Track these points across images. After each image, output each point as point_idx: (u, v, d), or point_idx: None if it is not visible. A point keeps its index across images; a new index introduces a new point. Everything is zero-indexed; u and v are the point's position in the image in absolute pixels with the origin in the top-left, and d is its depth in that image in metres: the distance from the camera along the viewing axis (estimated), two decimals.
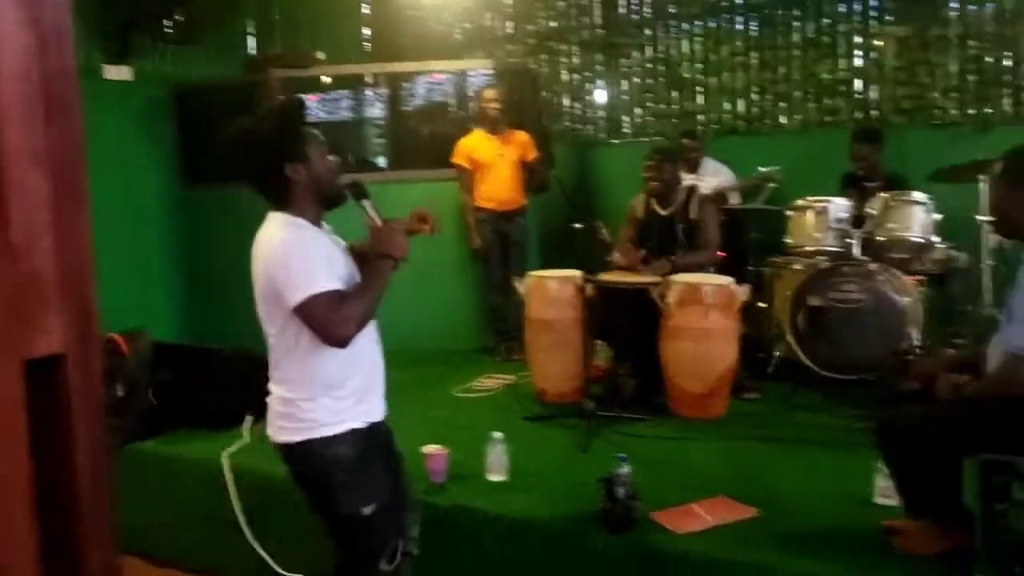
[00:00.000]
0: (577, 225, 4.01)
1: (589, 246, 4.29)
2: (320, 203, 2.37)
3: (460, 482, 3.35)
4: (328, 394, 2.32)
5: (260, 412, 2.51)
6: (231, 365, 4.13)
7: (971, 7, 5.32)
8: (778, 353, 4.74)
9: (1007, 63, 5.28)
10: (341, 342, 2.23)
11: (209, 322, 6.02)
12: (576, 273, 4.25)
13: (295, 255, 2.23)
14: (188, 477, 3.81)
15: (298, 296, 2.19)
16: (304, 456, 2.36)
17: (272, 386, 2.40)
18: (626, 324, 4.34)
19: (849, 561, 2.60)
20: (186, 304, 6.16)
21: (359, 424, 2.37)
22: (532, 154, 5.63)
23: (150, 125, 6.14)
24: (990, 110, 5.35)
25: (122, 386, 3.94)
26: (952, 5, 5.36)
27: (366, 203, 2.42)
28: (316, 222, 2.36)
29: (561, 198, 5.83)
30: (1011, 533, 2.44)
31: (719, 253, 5.45)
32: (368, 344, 2.42)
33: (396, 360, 5.46)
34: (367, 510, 2.35)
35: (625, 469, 2.95)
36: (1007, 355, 2.42)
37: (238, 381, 3.97)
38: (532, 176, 5.64)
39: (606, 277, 4.36)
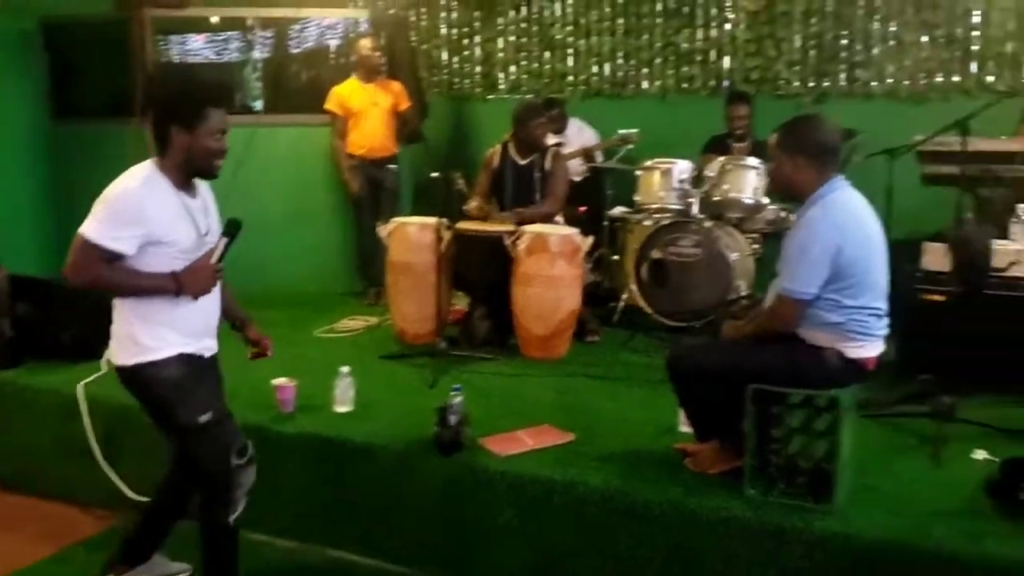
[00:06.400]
0: (434, 175, 4.22)
1: (449, 196, 4.52)
2: (189, 171, 2.59)
3: (308, 412, 3.57)
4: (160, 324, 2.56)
5: None
6: (92, 299, 4.20)
7: None
8: (623, 301, 5.11)
9: (844, 40, 5.73)
10: (69, 281, 2.50)
11: None
12: (435, 220, 4.47)
13: (114, 202, 2.47)
14: (43, 406, 3.90)
15: (84, 225, 2.45)
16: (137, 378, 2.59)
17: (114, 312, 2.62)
18: (480, 270, 4.60)
19: (644, 477, 2.95)
20: (53, 239, 6.10)
21: (190, 349, 2.62)
22: (405, 104, 5.79)
23: (19, 59, 6.04)
24: (827, 83, 5.80)
25: None
26: None
27: (224, 240, 2.63)
28: (180, 184, 2.57)
29: (433, 148, 6.06)
30: (781, 456, 2.84)
31: (580, 208, 5.79)
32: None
33: (264, 300, 5.62)
34: (203, 419, 2.59)
35: (458, 399, 3.23)
36: (776, 296, 2.81)
37: (98, 315, 4.04)
38: (404, 126, 5.82)
39: (463, 225, 4.61)
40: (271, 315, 5.17)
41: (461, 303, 5.01)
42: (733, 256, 4.71)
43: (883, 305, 2.79)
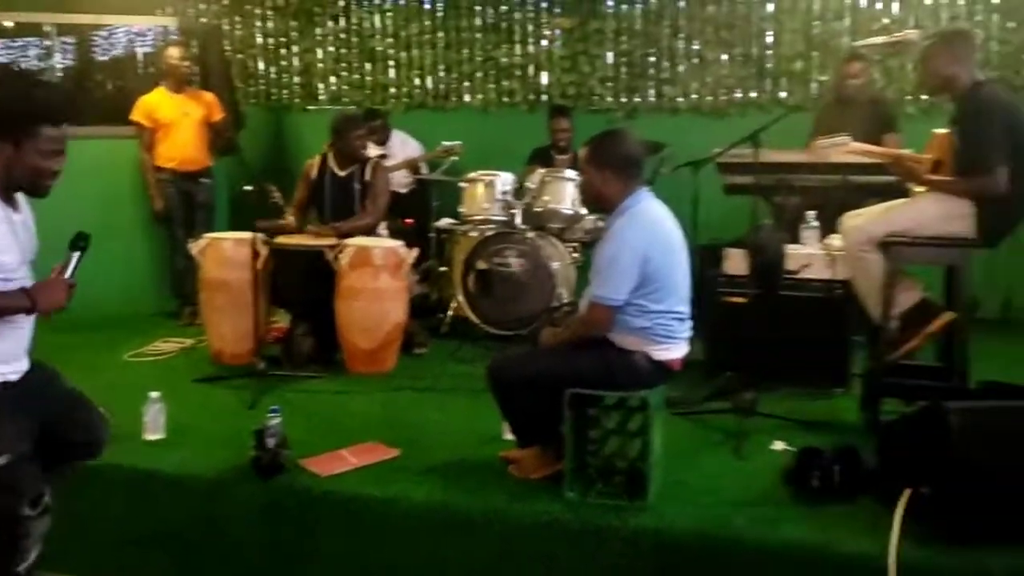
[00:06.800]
0: (247, 188, 4.08)
1: (264, 208, 4.39)
2: (11, 186, 2.38)
3: (115, 442, 3.32)
4: None
5: None
6: None
7: (624, 6, 6.01)
8: (451, 312, 5.14)
9: (652, 58, 6.03)
10: None
11: None
12: (251, 235, 4.32)
13: None
14: None
15: None
16: None
17: None
18: (302, 286, 4.48)
19: (467, 487, 2.97)
20: None
21: None
22: (218, 114, 5.59)
23: None
24: (638, 99, 6.09)
25: None
26: (608, 3, 6.03)
27: (75, 255, 2.43)
28: (3, 197, 2.37)
29: (250, 161, 5.86)
30: (599, 457, 2.93)
31: (406, 220, 5.77)
32: None
33: (69, 322, 5.21)
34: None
35: (276, 420, 3.13)
36: (588, 303, 2.91)
37: None
38: (217, 137, 5.61)
39: (282, 240, 4.48)
40: (76, 338, 4.85)
41: (282, 320, 4.87)
42: (555, 265, 4.84)
43: (686, 309, 2.95)
